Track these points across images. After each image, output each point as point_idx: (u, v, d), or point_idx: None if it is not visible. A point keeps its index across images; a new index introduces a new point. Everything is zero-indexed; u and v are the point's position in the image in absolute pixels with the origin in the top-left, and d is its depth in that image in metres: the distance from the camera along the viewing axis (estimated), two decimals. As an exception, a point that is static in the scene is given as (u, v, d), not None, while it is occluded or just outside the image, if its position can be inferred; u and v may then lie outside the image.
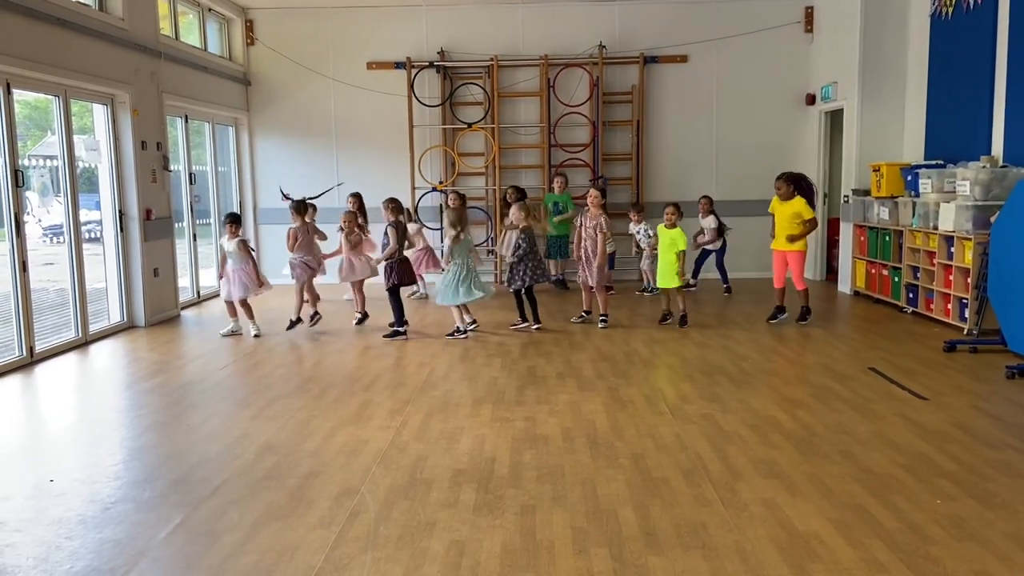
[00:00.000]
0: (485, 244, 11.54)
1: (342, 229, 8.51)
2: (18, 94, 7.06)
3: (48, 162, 7.84)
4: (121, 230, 8.57)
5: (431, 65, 11.43)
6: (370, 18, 11.50)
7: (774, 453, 4.50)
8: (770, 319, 8.12)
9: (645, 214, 10.25)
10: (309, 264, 8.42)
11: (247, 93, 11.72)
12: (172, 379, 6.50)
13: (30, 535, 3.65)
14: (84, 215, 8.16)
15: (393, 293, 7.93)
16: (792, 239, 7.77)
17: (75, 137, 7.90)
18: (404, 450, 4.66)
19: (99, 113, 8.43)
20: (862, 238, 9.70)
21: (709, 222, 10.02)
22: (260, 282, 8.12)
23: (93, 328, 8.09)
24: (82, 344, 7.81)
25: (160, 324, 8.88)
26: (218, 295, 8.76)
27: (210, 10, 10.96)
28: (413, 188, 11.43)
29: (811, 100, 11.28)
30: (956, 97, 8.72)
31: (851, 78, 9.94)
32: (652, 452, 4.55)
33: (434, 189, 11.41)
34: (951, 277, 7.70)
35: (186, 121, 10.13)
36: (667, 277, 8.06)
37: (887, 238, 9.06)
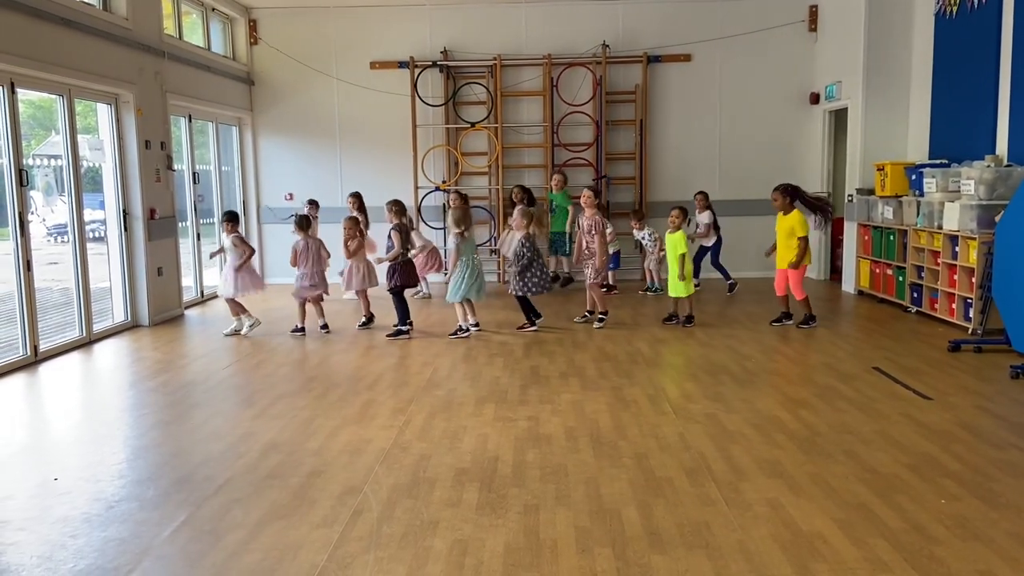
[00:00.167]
0: (488, 244, 11.55)
1: (345, 243, 8.46)
2: (22, 93, 7.07)
3: (52, 161, 7.86)
4: (125, 229, 8.59)
5: (434, 64, 11.43)
6: (373, 18, 11.51)
7: (778, 453, 4.49)
8: (774, 322, 8.10)
9: (646, 220, 10.25)
10: (314, 284, 8.27)
11: (251, 93, 11.73)
12: (176, 378, 6.50)
13: (34, 533, 3.65)
14: (88, 214, 8.17)
15: (396, 293, 7.94)
16: (793, 265, 7.69)
17: (79, 136, 7.91)
18: (407, 449, 4.66)
19: (103, 113, 8.44)
20: (866, 237, 9.68)
21: (704, 217, 10.02)
22: (254, 282, 8.12)
23: (97, 327, 8.10)
24: (86, 343, 7.82)
25: (164, 323, 8.89)
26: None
27: (214, 10, 10.98)
28: (416, 188, 11.43)
29: (815, 99, 11.26)
30: (960, 96, 8.69)
31: (855, 77, 9.92)
32: (655, 452, 4.54)
33: (437, 189, 11.41)
34: (955, 276, 7.69)
35: (190, 121, 10.15)
36: (676, 285, 8.06)
37: (891, 237, 9.04)
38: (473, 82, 11.57)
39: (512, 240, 8.04)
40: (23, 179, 6.88)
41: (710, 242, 10.05)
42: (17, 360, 6.89)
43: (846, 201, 10.41)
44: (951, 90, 8.90)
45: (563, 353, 7.06)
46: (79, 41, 7.59)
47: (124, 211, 8.57)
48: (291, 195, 11.75)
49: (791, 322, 8.01)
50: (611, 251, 9.56)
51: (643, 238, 10.07)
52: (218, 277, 8.58)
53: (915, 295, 8.57)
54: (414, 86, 11.37)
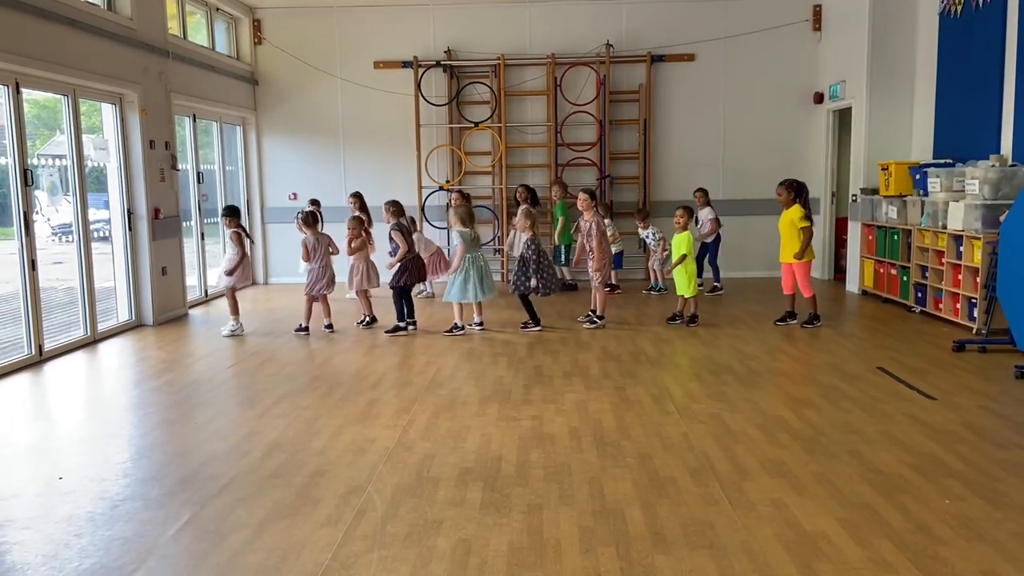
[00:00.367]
0: (492, 243, 11.55)
1: (349, 241, 8.48)
2: (27, 93, 7.08)
3: (57, 161, 7.87)
4: (129, 229, 8.60)
5: (438, 64, 11.44)
6: (377, 17, 11.51)
7: (782, 452, 4.49)
8: (778, 321, 8.10)
9: (651, 219, 10.25)
10: (330, 280, 8.29)
11: (254, 92, 11.74)
12: (180, 377, 6.52)
13: (39, 532, 3.66)
14: (93, 214, 8.19)
15: (403, 291, 7.97)
16: (797, 256, 7.75)
17: (84, 136, 7.93)
18: (411, 449, 4.66)
19: (108, 112, 8.46)
20: (870, 237, 9.67)
21: (706, 214, 10.01)
22: (246, 276, 8.17)
23: (102, 327, 8.12)
24: (91, 342, 7.84)
25: (168, 323, 8.90)
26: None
27: (218, 9, 10.99)
28: (420, 187, 11.44)
29: (819, 99, 11.24)
30: (965, 95, 8.68)
31: (859, 76, 9.91)
32: (659, 451, 4.54)
33: (441, 188, 11.41)
34: (960, 276, 7.67)
35: (194, 120, 10.16)
36: (683, 285, 8.06)
37: (896, 237, 9.02)
38: (477, 82, 11.57)
39: (519, 241, 8.07)
40: (28, 179, 6.89)
41: (710, 239, 10.04)
42: (22, 359, 6.90)
43: (850, 201, 10.39)
44: (955, 89, 8.88)
45: (567, 352, 7.06)
46: (84, 41, 7.60)
47: (128, 211, 8.58)
48: (295, 195, 11.77)
49: (795, 322, 8.00)
50: (615, 251, 9.56)
51: (647, 237, 10.07)
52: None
53: (919, 295, 8.55)
54: (418, 86, 11.37)
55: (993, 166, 7.47)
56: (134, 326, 8.63)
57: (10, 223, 6.87)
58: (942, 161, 8.60)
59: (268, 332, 8.25)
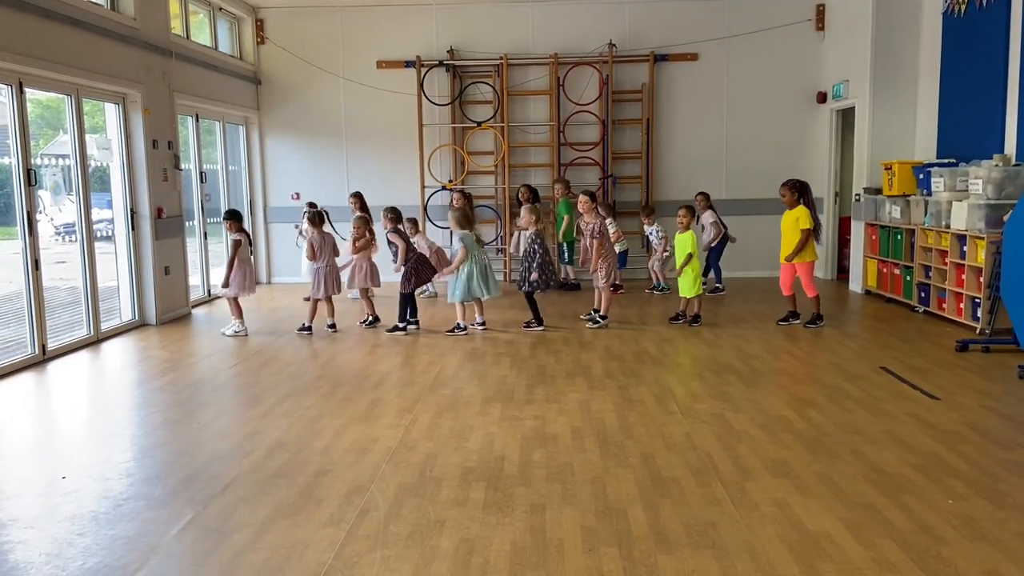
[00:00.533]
0: (495, 243, 11.55)
1: (354, 240, 8.48)
2: (30, 93, 7.09)
3: (60, 161, 7.88)
4: (132, 228, 8.61)
5: (441, 64, 11.44)
6: (380, 17, 11.52)
7: (785, 452, 4.48)
8: (781, 321, 8.09)
9: (656, 215, 10.23)
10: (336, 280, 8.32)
11: (257, 92, 11.75)
12: (183, 377, 6.52)
13: (42, 532, 3.67)
14: (96, 214, 8.20)
15: (409, 293, 8.01)
16: (788, 258, 7.75)
17: (87, 136, 7.94)
18: (413, 448, 4.67)
19: (111, 112, 8.47)
20: (874, 237, 9.65)
21: (707, 217, 10.00)
22: (248, 285, 8.14)
23: (105, 326, 8.13)
24: (94, 342, 7.85)
25: (171, 322, 8.91)
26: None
27: (221, 9, 11.00)
28: (423, 187, 11.45)
29: (822, 98, 11.23)
30: (969, 95, 8.66)
31: (863, 76, 9.89)
32: (662, 451, 4.54)
33: (443, 188, 11.42)
34: (963, 276, 7.66)
35: (197, 120, 10.17)
36: (686, 286, 8.05)
37: (899, 237, 9.01)
38: (479, 81, 11.57)
39: (522, 239, 8.08)
40: (31, 178, 6.90)
41: (715, 241, 10.04)
42: (25, 359, 6.91)
43: (853, 200, 10.38)
44: (959, 89, 8.86)
45: (569, 352, 7.06)
46: (87, 41, 7.61)
47: (132, 210, 8.59)
48: (297, 194, 11.78)
49: (798, 321, 7.99)
50: (618, 250, 9.56)
51: (650, 233, 10.06)
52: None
53: (923, 295, 8.54)
54: (420, 85, 11.37)
55: (997, 165, 7.45)
56: (137, 326, 8.64)
57: (14, 223, 6.88)
58: (945, 161, 8.59)
59: (271, 332, 8.26)
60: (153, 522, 3.75)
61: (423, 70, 11.39)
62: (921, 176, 8.64)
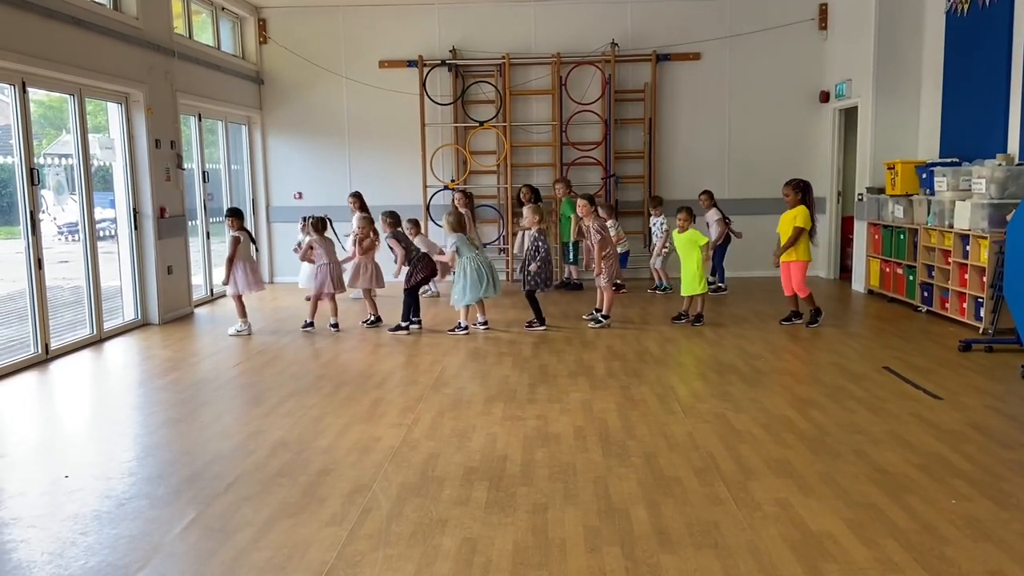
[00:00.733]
0: (496, 242, 11.56)
1: (360, 241, 8.50)
2: (33, 93, 7.10)
3: (63, 160, 7.89)
4: (135, 228, 8.62)
5: (443, 63, 11.44)
6: (382, 16, 11.52)
7: (787, 452, 4.48)
8: (783, 321, 8.08)
9: (664, 207, 10.15)
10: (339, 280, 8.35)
11: (260, 92, 11.76)
12: (185, 376, 6.53)
13: (45, 531, 3.67)
14: (99, 213, 8.21)
15: (413, 291, 8.01)
16: (776, 253, 7.83)
17: (90, 136, 7.95)
18: (416, 448, 4.67)
19: (113, 112, 8.48)
20: (876, 236, 9.64)
21: (712, 215, 9.99)
22: (255, 281, 8.15)
23: (108, 325, 8.14)
24: (97, 341, 7.86)
25: (174, 322, 8.92)
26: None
27: (223, 9, 11.01)
28: (425, 186, 11.45)
29: (825, 98, 11.22)
30: (972, 94, 8.65)
31: (866, 75, 9.88)
32: (664, 451, 4.54)
33: (446, 187, 11.42)
34: (966, 276, 7.65)
35: (199, 119, 10.18)
36: (690, 284, 8.04)
37: (902, 236, 9.00)
38: (482, 81, 11.57)
39: (526, 239, 8.10)
40: (34, 178, 6.91)
41: (721, 241, 10.02)
42: (28, 358, 6.92)
43: (856, 200, 10.37)
44: (962, 88, 8.85)
45: (572, 352, 7.06)
46: (90, 40, 7.62)
47: (134, 210, 8.60)
48: (300, 194, 11.79)
49: (800, 321, 7.98)
50: (620, 251, 9.56)
51: (654, 225, 10.03)
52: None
53: (925, 294, 8.53)
54: (423, 85, 11.37)
55: (1000, 165, 7.44)
56: (140, 325, 8.65)
57: (16, 222, 6.89)
58: (948, 160, 8.57)
59: (274, 331, 8.26)
60: (156, 521, 3.75)
61: (425, 70, 11.39)
62: (924, 175, 8.63)
